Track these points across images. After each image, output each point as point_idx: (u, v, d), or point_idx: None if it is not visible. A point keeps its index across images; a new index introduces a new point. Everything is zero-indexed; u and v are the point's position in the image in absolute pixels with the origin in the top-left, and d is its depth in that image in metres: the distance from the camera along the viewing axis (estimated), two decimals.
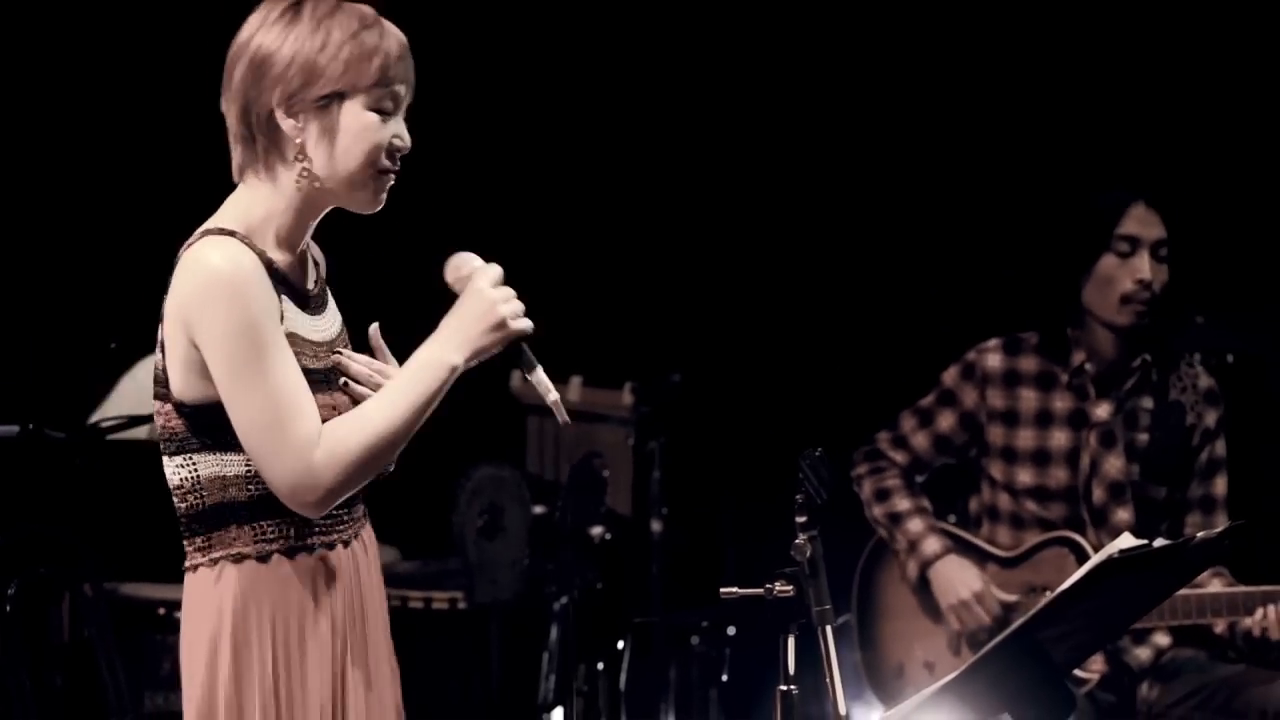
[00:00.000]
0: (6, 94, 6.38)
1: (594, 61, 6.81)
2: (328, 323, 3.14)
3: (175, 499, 3.06)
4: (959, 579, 4.77)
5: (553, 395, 3.07)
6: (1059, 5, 6.60)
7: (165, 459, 3.06)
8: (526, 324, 3.06)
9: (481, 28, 6.62)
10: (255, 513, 3.02)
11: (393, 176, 3.09)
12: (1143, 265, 4.71)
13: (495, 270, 3.08)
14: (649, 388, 5.90)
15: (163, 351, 3.01)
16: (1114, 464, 4.77)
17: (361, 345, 3.20)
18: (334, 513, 3.06)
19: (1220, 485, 4.82)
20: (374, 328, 3.21)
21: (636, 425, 5.90)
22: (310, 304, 3.10)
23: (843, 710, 3.20)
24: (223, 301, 2.93)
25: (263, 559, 3.02)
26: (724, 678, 5.99)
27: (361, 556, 3.14)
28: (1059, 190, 5.53)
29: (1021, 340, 4.86)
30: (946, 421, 4.90)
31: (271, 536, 3.02)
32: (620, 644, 5.79)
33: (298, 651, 3.04)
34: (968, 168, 6.71)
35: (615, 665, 5.75)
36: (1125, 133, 6.44)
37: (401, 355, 3.13)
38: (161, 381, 3.02)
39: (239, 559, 3.02)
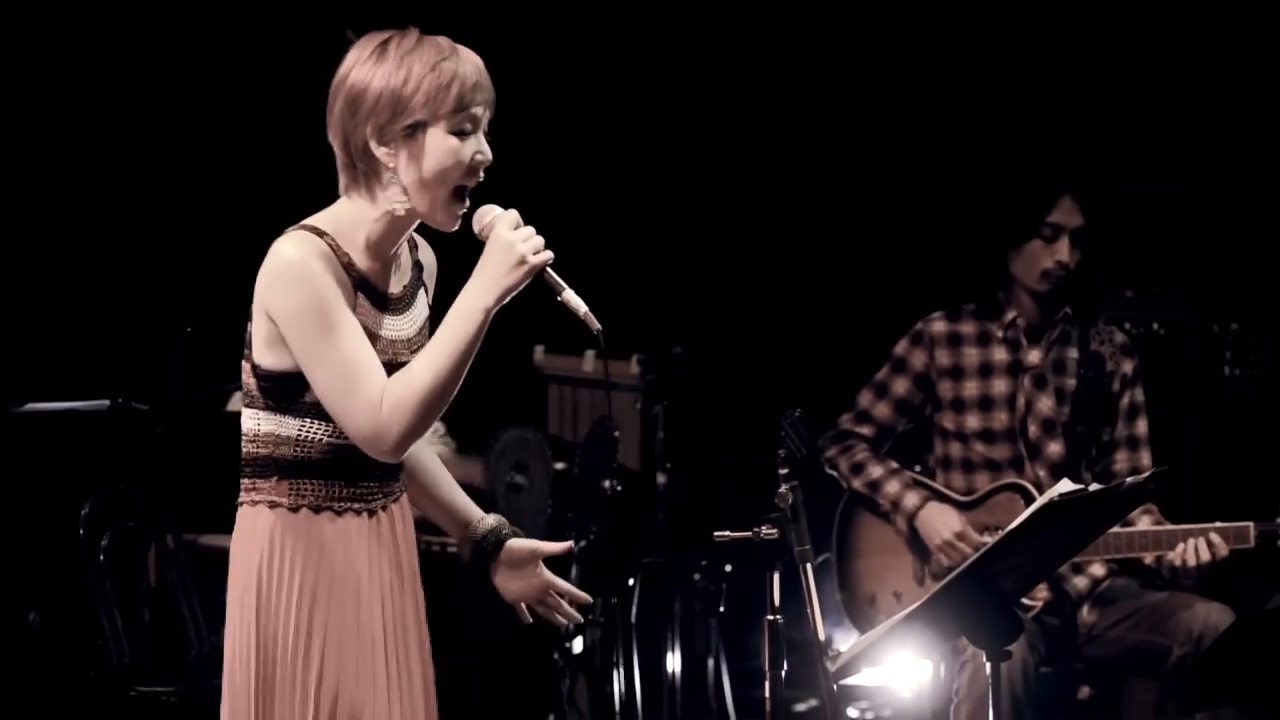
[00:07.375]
0: (89, 93, 6.38)
1: (598, 46, 6.77)
2: (407, 323, 3.14)
3: (243, 442, 3.11)
4: (941, 522, 4.80)
5: (583, 309, 3.03)
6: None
7: (244, 409, 3.11)
8: (546, 256, 3.01)
9: (489, 18, 6.56)
10: (295, 471, 3.06)
11: (467, 200, 3.06)
12: (1063, 250, 4.78)
13: (512, 215, 3.04)
14: (654, 359, 5.90)
15: (250, 320, 3.06)
16: (1045, 404, 4.83)
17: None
18: (365, 485, 3.09)
19: (1142, 426, 4.89)
20: None
21: (643, 392, 5.90)
22: (389, 305, 3.11)
23: (821, 636, 3.24)
24: (292, 286, 2.97)
25: (293, 509, 3.07)
26: (721, 609, 6.02)
27: (398, 523, 3.16)
28: (991, 174, 5.54)
29: (961, 309, 4.93)
30: (902, 386, 4.94)
31: (305, 492, 3.06)
32: (631, 581, 5.81)
33: (325, 588, 3.06)
34: (928, 161, 6.71)
35: (627, 599, 5.77)
36: (1058, 123, 6.44)
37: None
38: (248, 345, 3.07)
39: (273, 505, 3.07)
